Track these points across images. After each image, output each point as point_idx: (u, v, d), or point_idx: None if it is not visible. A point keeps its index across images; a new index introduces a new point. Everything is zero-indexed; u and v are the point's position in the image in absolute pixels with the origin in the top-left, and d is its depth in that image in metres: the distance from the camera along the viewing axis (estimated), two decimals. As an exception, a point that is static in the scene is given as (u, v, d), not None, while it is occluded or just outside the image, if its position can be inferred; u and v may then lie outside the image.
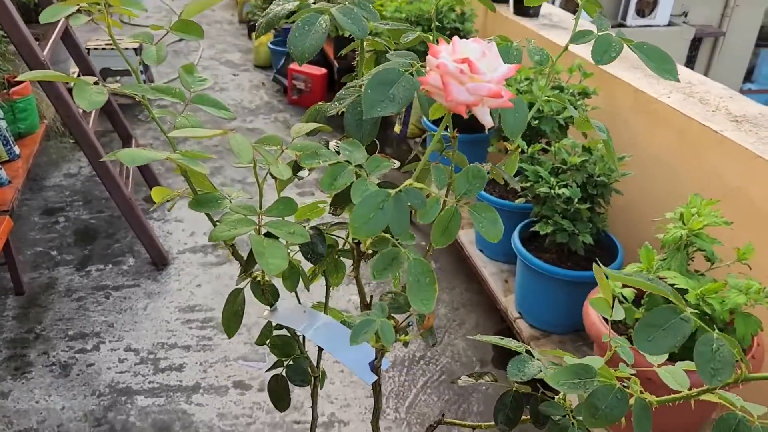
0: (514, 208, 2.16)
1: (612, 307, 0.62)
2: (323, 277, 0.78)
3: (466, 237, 2.44)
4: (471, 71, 0.53)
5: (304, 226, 0.62)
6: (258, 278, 0.70)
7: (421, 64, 0.57)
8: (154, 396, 2.09)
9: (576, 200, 1.80)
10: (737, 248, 1.40)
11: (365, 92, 0.50)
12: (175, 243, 2.86)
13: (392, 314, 0.54)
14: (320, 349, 0.79)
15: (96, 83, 0.62)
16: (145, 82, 4.26)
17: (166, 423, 1.99)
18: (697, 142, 1.84)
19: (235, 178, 3.41)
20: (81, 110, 2.51)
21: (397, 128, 0.83)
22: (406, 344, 0.53)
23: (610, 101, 2.20)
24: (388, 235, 0.52)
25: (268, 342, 0.74)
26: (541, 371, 0.58)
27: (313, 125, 0.64)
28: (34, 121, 2.76)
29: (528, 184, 1.91)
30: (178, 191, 0.70)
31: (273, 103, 4.38)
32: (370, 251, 0.54)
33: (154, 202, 0.75)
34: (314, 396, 0.81)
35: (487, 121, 0.54)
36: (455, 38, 0.56)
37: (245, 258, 0.61)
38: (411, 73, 0.54)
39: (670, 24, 6.40)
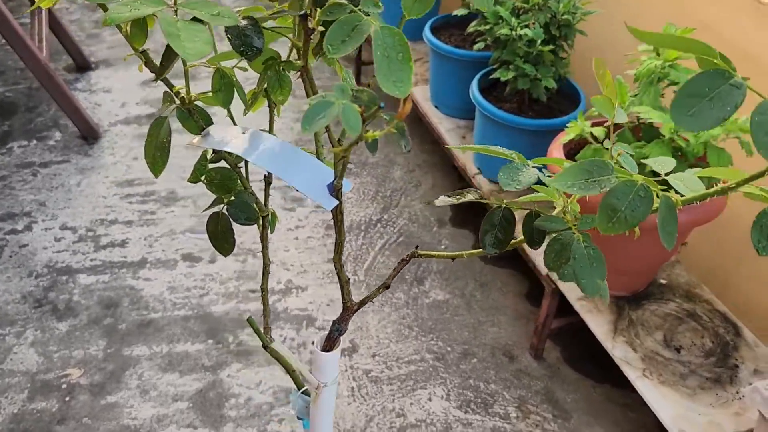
0: (472, 57, 2.01)
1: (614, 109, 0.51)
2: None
3: (421, 93, 2.30)
4: None
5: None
6: (181, 95, 0.56)
7: None
8: (98, 273, 1.97)
9: (539, 42, 1.66)
10: (712, 80, 1.31)
11: None
12: (105, 115, 2.62)
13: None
14: (267, 185, 0.67)
15: None
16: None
17: (113, 299, 1.89)
18: (668, -27, 1.70)
19: None
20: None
21: None
22: (374, 149, 0.41)
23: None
24: (345, 0, 0.39)
25: (203, 178, 0.62)
26: (538, 178, 0.48)
27: None
28: None
29: (487, 27, 1.75)
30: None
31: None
32: (320, 26, 0.41)
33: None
34: (264, 239, 0.70)
35: None
36: None
37: (160, 62, 0.47)
38: None
39: None
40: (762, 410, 1.10)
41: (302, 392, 0.71)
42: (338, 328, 0.62)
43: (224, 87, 0.57)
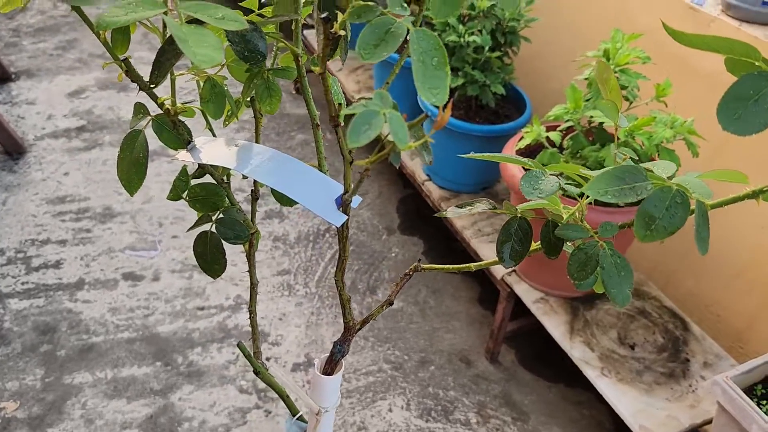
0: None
1: (618, 112, 0.51)
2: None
3: (365, 101, 2.28)
4: None
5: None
6: (166, 106, 0.52)
7: None
8: (31, 297, 1.85)
9: (486, 49, 1.68)
10: (657, 84, 1.36)
11: None
12: (30, 128, 2.47)
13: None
14: (254, 200, 0.63)
15: None
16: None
17: (49, 324, 1.78)
18: (605, -18, 1.76)
19: None
20: None
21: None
22: (398, 160, 0.39)
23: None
24: (372, 2, 0.36)
25: (185, 195, 0.58)
26: (560, 186, 0.47)
27: None
28: None
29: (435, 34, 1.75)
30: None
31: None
32: (344, 29, 0.38)
33: None
34: (251, 257, 0.66)
35: None
36: None
37: (152, 66, 0.43)
38: None
39: None
40: (722, 402, 1.13)
41: (297, 418, 0.67)
42: (340, 349, 0.59)
43: (215, 97, 0.53)
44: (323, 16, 0.39)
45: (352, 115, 0.36)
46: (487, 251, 1.74)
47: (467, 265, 0.54)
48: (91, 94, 2.68)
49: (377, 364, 1.77)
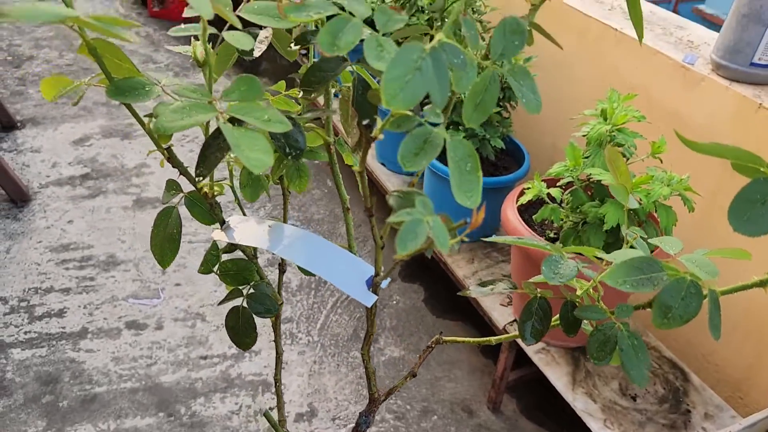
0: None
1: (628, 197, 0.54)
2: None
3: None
4: None
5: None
6: (204, 190, 0.55)
7: None
8: (34, 347, 1.85)
9: (486, 104, 1.73)
10: (652, 142, 1.40)
11: None
12: (34, 176, 2.50)
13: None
14: (281, 273, 0.66)
15: None
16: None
17: (52, 374, 1.78)
18: (598, 41, 1.83)
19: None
20: None
21: None
22: (430, 253, 0.42)
23: (505, 2, 2.13)
24: (410, 112, 0.40)
25: (216, 269, 0.60)
26: (578, 270, 0.50)
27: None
28: None
29: (436, 90, 1.81)
30: (83, 81, 0.52)
31: (131, 16, 3.92)
32: (381, 134, 0.42)
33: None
34: (277, 328, 0.69)
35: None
36: None
37: (198, 160, 0.46)
38: None
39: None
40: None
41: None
42: (366, 420, 0.61)
43: (252, 182, 0.57)
44: (365, 123, 0.43)
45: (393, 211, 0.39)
46: (488, 301, 1.77)
47: (487, 339, 0.56)
48: (95, 141, 2.72)
49: (380, 413, 1.77)
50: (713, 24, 3.59)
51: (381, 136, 0.43)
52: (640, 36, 0.49)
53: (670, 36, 1.75)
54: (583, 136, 1.41)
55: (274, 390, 1.81)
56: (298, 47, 0.49)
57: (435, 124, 0.41)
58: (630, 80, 1.74)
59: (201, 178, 0.49)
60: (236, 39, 0.44)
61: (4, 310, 1.95)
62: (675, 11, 3.76)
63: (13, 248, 2.17)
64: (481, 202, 1.49)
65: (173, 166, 0.54)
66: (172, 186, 0.63)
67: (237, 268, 0.60)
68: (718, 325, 0.44)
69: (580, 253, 0.53)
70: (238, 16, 0.47)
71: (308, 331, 1.99)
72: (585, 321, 0.52)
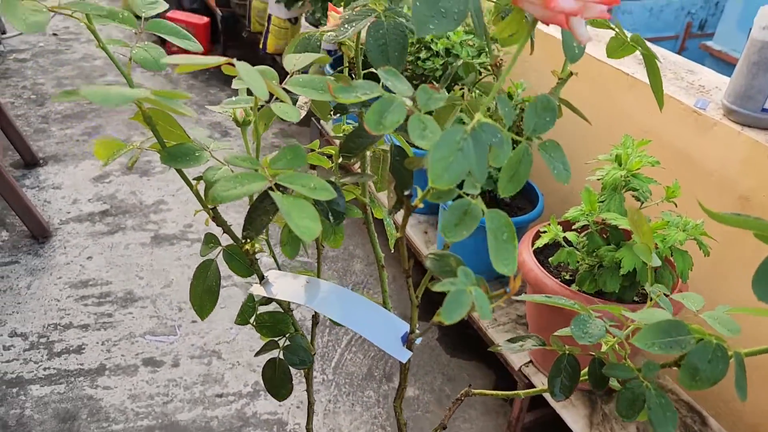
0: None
1: (651, 253, 0.57)
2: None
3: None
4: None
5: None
6: (246, 247, 0.58)
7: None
8: (52, 383, 1.87)
9: (501, 147, 1.77)
10: (666, 186, 1.43)
11: (415, 6, 0.39)
12: (55, 212, 2.55)
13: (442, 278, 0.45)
14: (314, 324, 0.69)
15: None
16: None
17: (70, 412, 1.79)
18: (611, 86, 1.87)
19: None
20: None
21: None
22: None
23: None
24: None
25: (252, 321, 0.63)
26: (606, 330, 0.52)
27: (311, 56, 0.52)
28: None
29: (451, 132, 1.85)
30: (134, 144, 0.56)
31: (150, 54, 4.01)
32: (421, 203, 0.45)
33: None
34: (309, 377, 0.71)
35: (583, 35, 0.45)
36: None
37: (245, 222, 0.49)
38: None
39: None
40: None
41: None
42: (398, 470, 0.62)
43: (292, 241, 0.60)
44: (406, 193, 0.46)
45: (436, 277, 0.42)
46: (502, 340, 1.77)
47: (516, 392, 0.58)
48: (115, 178, 2.78)
49: (395, 454, 1.77)
50: (721, 61, 3.60)
51: (421, 205, 0.46)
52: (661, 103, 0.52)
53: (681, 81, 1.79)
54: (598, 179, 1.43)
55: (288, 429, 1.81)
56: (337, 115, 0.52)
57: (470, 194, 0.44)
58: (642, 124, 1.77)
59: (248, 241, 0.52)
60: (283, 111, 0.47)
61: (25, 346, 1.98)
62: (683, 47, 3.78)
63: (34, 284, 2.21)
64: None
65: (217, 225, 0.57)
66: (210, 240, 0.65)
67: (273, 321, 0.63)
68: (744, 386, 0.46)
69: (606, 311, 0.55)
70: (284, 88, 0.50)
71: (323, 369, 2.00)
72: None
